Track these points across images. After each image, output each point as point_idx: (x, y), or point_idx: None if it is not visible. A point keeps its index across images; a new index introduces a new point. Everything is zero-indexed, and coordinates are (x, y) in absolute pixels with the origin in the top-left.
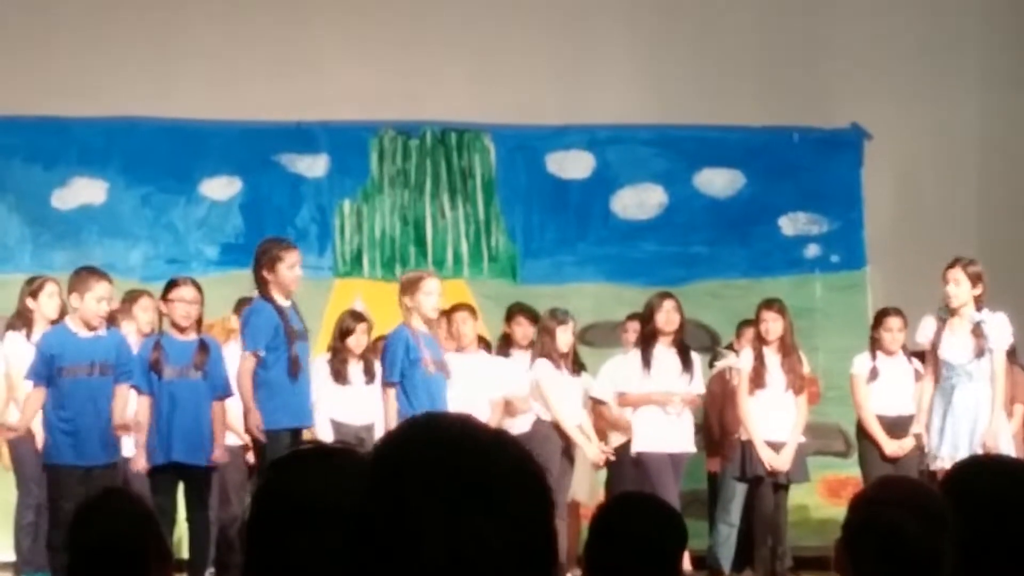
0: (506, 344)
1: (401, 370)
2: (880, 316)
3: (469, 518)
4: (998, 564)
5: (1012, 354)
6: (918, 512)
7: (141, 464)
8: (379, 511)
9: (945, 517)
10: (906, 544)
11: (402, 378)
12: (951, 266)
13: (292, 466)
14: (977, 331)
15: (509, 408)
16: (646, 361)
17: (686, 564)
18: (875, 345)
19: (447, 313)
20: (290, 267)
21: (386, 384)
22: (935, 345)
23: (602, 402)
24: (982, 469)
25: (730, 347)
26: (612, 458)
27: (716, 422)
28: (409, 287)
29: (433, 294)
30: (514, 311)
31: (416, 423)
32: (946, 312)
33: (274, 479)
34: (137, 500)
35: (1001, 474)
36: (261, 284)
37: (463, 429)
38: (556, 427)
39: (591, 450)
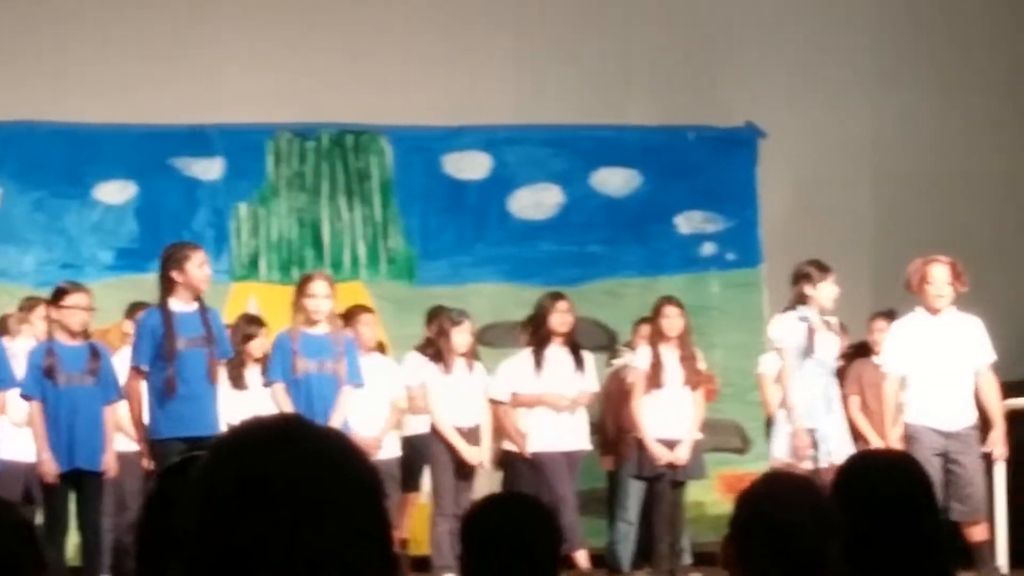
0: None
1: (283, 370)
2: None
3: (314, 527)
4: (884, 558)
5: (864, 351)
6: (805, 507)
7: (51, 471)
8: (216, 527)
9: (831, 512)
10: (793, 539)
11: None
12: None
13: (181, 472)
14: (833, 328)
15: (411, 407)
16: (538, 361)
17: (584, 562)
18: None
19: (346, 315)
20: (199, 266)
21: (266, 383)
22: (809, 345)
23: (500, 403)
24: (871, 465)
25: (628, 345)
26: (484, 465)
27: (612, 421)
28: (297, 288)
29: (318, 296)
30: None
31: (241, 432)
32: (813, 313)
33: (162, 486)
34: (10, 508)
35: (888, 470)
36: (167, 288)
37: (296, 433)
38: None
39: (468, 454)
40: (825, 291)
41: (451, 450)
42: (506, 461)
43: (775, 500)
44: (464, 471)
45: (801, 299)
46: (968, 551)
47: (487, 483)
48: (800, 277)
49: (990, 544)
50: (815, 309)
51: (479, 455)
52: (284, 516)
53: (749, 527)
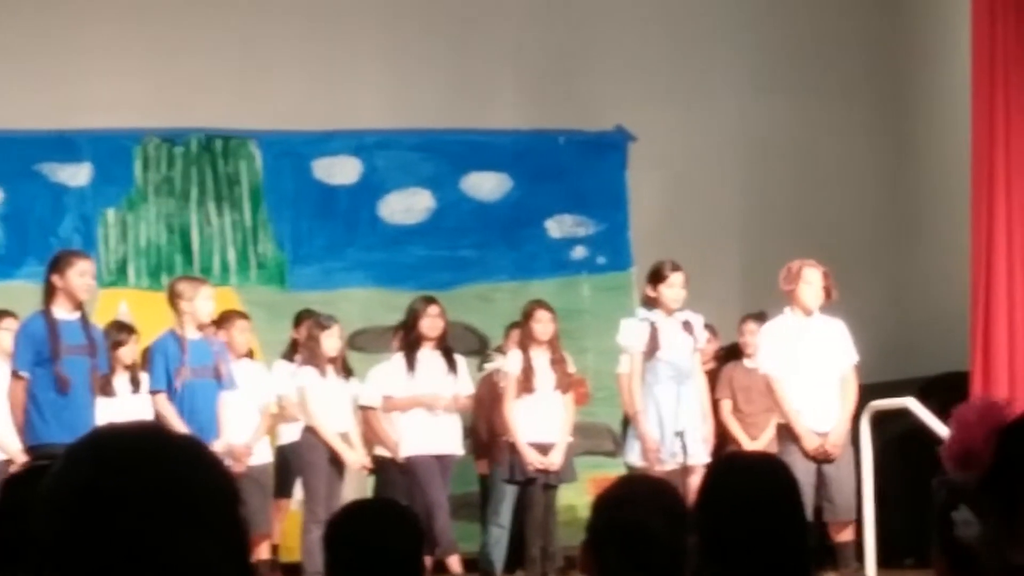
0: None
1: (168, 378)
2: None
3: (167, 534)
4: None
5: (735, 353)
6: (660, 510)
7: None
8: (68, 535)
9: (686, 514)
10: (649, 542)
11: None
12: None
13: (27, 481)
14: (688, 329)
15: (283, 415)
16: (411, 365)
17: (457, 567)
18: None
19: (219, 321)
20: (80, 274)
21: (153, 392)
22: (653, 346)
23: (370, 408)
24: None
25: (499, 349)
26: (369, 467)
27: (484, 424)
28: (179, 293)
29: (205, 301)
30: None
31: (94, 440)
32: (657, 314)
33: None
34: None
35: (754, 471)
36: (49, 293)
37: (151, 441)
38: (316, 435)
39: (351, 457)
40: (668, 292)
41: (332, 455)
42: (378, 466)
43: (630, 503)
44: (337, 477)
45: (648, 300)
46: (833, 551)
47: (359, 489)
48: (649, 278)
49: (855, 545)
50: (662, 310)
51: (362, 458)
52: (136, 524)
53: (605, 531)
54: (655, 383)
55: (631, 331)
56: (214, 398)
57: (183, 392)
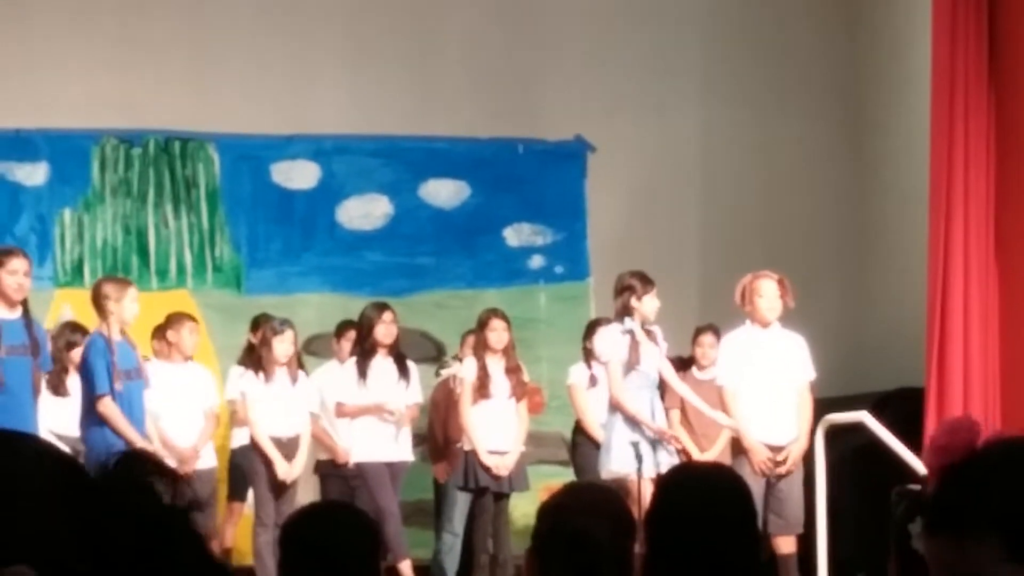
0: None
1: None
2: (593, 326)
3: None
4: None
5: (686, 364)
6: (605, 517)
7: None
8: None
9: (632, 522)
10: (594, 549)
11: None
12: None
13: None
14: (653, 338)
15: (235, 418)
16: (362, 372)
17: (408, 573)
18: (588, 355)
19: (167, 322)
20: (11, 273)
21: (99, 396)
22: (633, 357)
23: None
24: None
25: (456, 357)
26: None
27: (440, 431)
28: (108, 294)
29: (134, 303)
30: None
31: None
32: (636, 325)
33: None
34: None
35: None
36: None
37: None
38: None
39: (281, 469)
40: (648, 304)
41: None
42: (323, 472)
43: (574, 511)
44: (285, 482)
45: (626, 311)
46: (776, 564)
47: (316, 492)
48: (624, 289)
49: (806, 559)
50: (638, 321)
51: (291, 472)
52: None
53: (549, 538)
54: (630, 393)
55: (611, 340)
56: (141, 398)
57: (122, 395)
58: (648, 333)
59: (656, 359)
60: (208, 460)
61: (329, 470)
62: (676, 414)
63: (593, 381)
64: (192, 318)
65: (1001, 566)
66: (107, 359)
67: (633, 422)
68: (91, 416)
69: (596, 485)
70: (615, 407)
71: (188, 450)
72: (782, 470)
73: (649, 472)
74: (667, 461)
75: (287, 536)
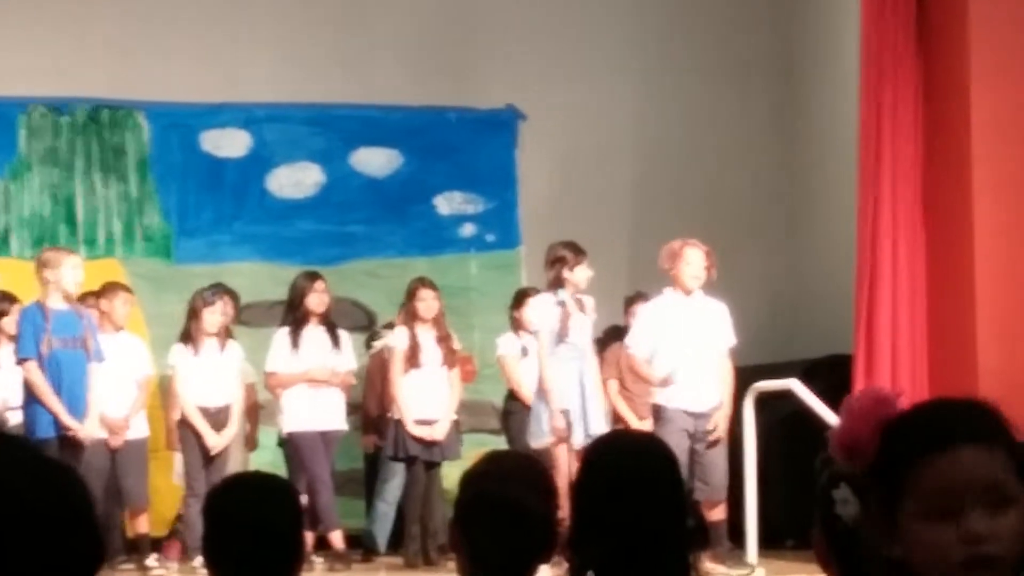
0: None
1: (35, 346)
2: (521, 296)
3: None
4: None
5: (620, 333)
6: (529, 484)
7: None
8: None
9: (554, 488)
10: (520, 514)
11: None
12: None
13: None
14: (582, 308)
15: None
16: (295, 341)
17: (339, 543)
18: (517, 325)
19: (100, 292)
20: None
21: (19, 361)
22: (564, 328)
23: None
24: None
25: (389, 326)
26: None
27: (375, 404)
28: (45, 263)
29: (71, 271)
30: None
31: None
32: (568, 296)
33: None
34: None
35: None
36: None
37: None
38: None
39: (210, 441)
40: (580, 273)
41: (198, 433)
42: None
43: (498, 477)
44: (219, 453)
45: (558, 282)
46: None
47: (244, 463)
48: (556, 260)
49: (733, 525)
50: (570, 291)
51: (220, 442)
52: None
53: (474, 507)
54: (559, 363)
55: (543, 310)
56: (82, 370)
57: (49, 361)
58: (579, 303)
59: (587, 329)
60: (139, 430)
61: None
62: (614, 384)
63: (524, 352)
64: (126, 288)
65: (915, 521)
66: (36, 325)
67: (556, 393)
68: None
69: (517, 452)
70: (540, 379)
71: (119, 420)
72: (712, 439)
73: (579, 442)
74: (596, 430)
75: (210, 506)
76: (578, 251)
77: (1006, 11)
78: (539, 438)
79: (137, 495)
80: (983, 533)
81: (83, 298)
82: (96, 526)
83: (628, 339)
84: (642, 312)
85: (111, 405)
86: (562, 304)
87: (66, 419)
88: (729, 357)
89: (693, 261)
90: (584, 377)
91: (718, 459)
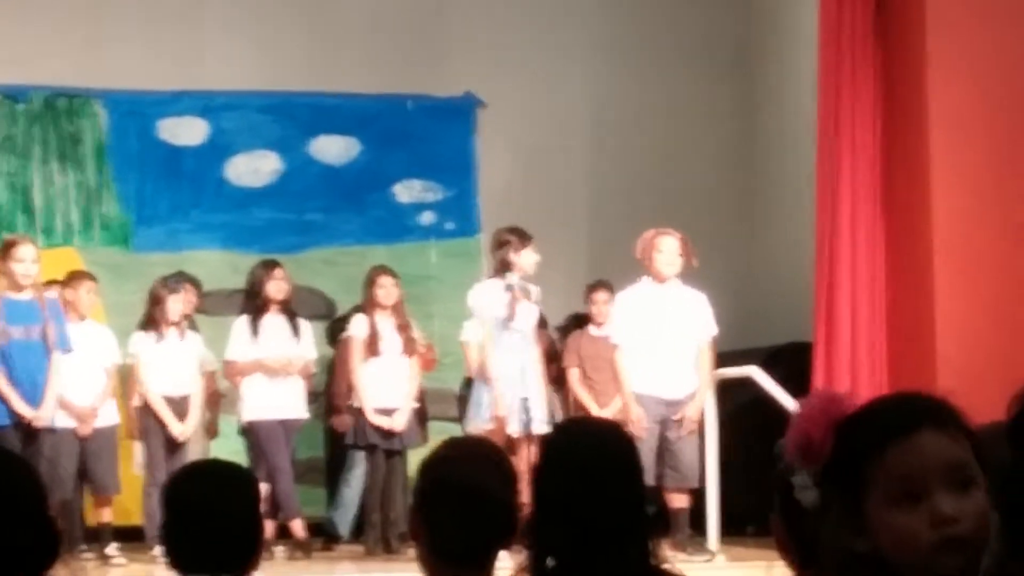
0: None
1: None
2: None
3: None
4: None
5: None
6: (488, 466)
7: None
8: None
9: (514, 473)
10: (482, 498)
11: None
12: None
13: None
14: (527, 295)
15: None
16: (255, 329)
17: (300, 531)
18: None
19: (65, 281)
20: None
21: None
22: (510, 314)
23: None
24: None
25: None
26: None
27: (345, 388)
28: (2, 253)
29: (26, 260)
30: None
31: None
32: (516, 280)
33: None
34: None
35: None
36: None
37: None
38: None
39: (175, 429)
40: (527, 257)
41: (160, 422)
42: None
43: (459, 461)
44: (176, 441)
45: (505, 265)
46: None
47: (203, 451)
48: (501, 244)
49: (694, 512)
50: (518, 275)
51: (186, 430)
52: None
53: (435, 492)
54: (504, 349)
55: (488, 296)
56: (41, 360)
57: (3, 351)
58: (524, 291)
59: (531, 316)
60: (108, 418)
61: None
62: (576, 372)
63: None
64: (91, 277)
65: (882, 511)
66: None
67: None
68: None
69: (476, 437)
70: (482, 365)
71: (87, 409)
72: (683, 430)
73: (516, 429)
74: (539, 419)
75: (169, 494)
76: (523, 235)
77: (963, 1)
78: (474, 423)
79: (107, 483)
80: (951, 514)
81: (47, 286)
82: (48, 519)
83: (612, 333)
84: (617, 302)
85: (79, 393)
86: (510, 288)
87: (19, 407)
88: (710, 347)
89: (665, 249)
90: (527, 364)
91: (688, 446)
